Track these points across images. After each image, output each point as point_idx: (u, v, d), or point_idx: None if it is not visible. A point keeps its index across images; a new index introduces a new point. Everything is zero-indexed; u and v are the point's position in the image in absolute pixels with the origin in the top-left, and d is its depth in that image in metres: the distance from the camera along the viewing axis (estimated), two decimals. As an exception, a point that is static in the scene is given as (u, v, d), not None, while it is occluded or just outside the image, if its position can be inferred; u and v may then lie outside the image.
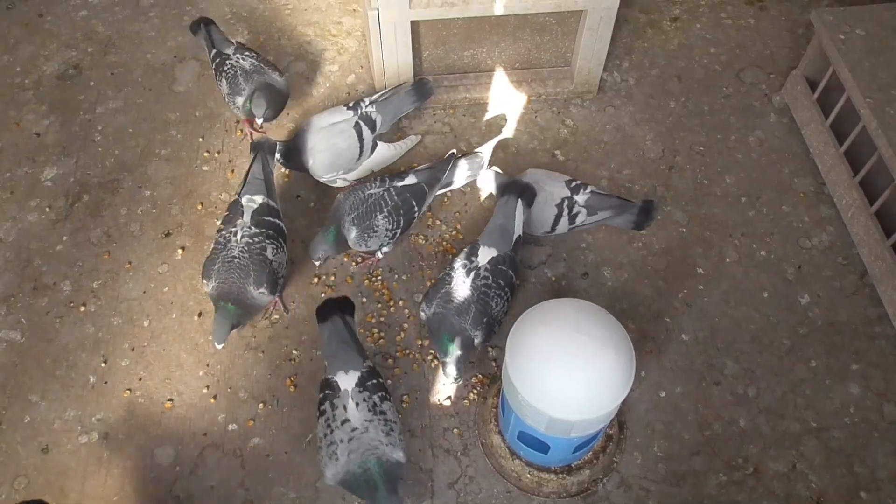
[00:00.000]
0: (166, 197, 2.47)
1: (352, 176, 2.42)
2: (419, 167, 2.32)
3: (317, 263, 2.24)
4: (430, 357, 2.19)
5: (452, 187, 2.40)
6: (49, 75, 2.77)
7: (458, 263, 2.08)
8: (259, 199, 2.14)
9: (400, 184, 2.24)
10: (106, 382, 2.13)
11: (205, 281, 2.05)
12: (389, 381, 2.14)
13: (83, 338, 2.20)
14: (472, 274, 2.05)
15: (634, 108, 2.72)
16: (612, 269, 2.36)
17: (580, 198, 2.23)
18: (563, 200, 2.22)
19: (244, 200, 2.13)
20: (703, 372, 2.18)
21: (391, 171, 2.41)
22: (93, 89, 2.73)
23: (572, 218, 2.23)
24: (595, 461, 1.99)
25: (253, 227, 2.09)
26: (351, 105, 2.38)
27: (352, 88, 2.75)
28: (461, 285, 2.04)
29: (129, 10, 2.96)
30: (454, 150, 2.35)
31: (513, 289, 2.11)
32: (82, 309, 2.25)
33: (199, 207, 2.45)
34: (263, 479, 2.00)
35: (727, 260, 2.38)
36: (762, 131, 2.67)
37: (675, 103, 2.74)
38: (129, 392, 2.11)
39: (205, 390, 2.12)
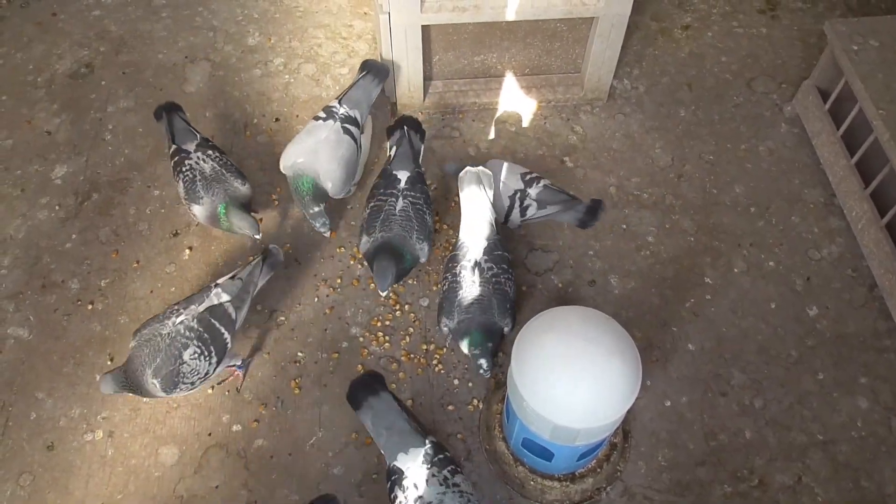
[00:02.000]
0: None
1: (356, 179, 2.42)
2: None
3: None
4: (434, 362, 2.18)
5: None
6: (61, 74, 2.78)
7: (459, 268, 2.08)
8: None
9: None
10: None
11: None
12: (394, 385, 2.14)
13: (90, 336, 2.21)
14: (477, 271, 2.06)
15: (644, 116, 2.71)
16: (620, 276, 2.35)
17: (532, 191, 2.24)
18: (515, 192, 2.24)
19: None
20: (709, 382, 2.17)
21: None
22: (104, 88, 2.74)
23: (523, 210, 2.25)
24: (599, 469, 1.98)
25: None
26: (324, 115, 2.29)
27: (362, 91, 2.75)
28: (472, 286, 2.04)
29: (141, 9, 2.97)
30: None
31: (512, 264, 2.16)
32: (90, 307, 2.26)
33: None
34: (267, 480, 2.00)
35: (735, 270, 2.37)
36: (772, 141, 2.66)
37: (685, 112, 2.73)
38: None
39: (210, 391, 2.12)
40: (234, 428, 2.07)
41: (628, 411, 1.69)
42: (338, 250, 2.38)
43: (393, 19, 2.35)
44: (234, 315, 1.98)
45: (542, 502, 1.98)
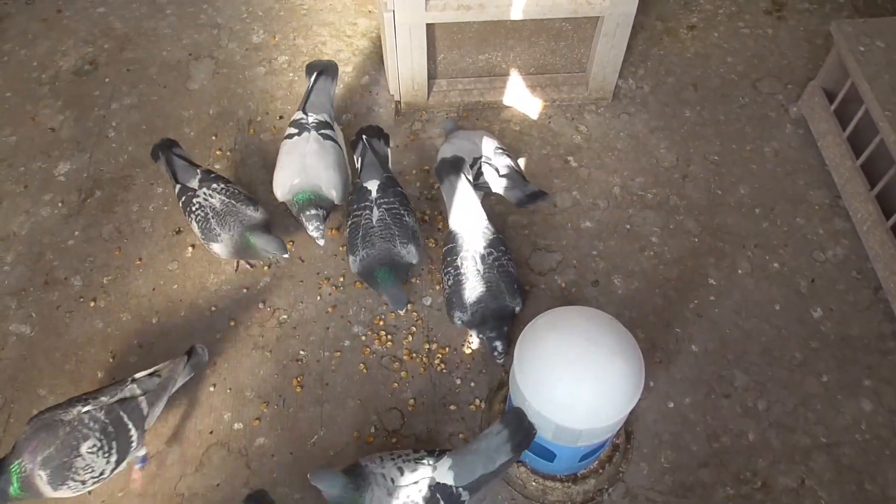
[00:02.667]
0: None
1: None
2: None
3: None
4: (436, 361, 2.18)
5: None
6: (65, 71, 2.78)
7: (459, 259, 2.09)
8: None
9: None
10: (114, 378, 2.13)
11: None
12: (396, 385, 2.14)
13: (92, 333, 2.21)
14: (480, 260, 2.07)
15: (649, 116, 2.70)
16: (623, 277, 2.34)
17: (495, 161, 2.28)
18: (480, 157, 2.28)
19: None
20: (712, 383, 2.16)
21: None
22: (108, 85, 2.75)
23: (477, 174, 2.28)
24: (601, 470, 1.98)
25: None
26: (295, 131, 2.26)
27: (365, 89, 2.75)
28: (478, 276, 2.06)
29: (145, 7, 2.97)
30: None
31: (505, 241, 2.19)
32: (92, 304, 2.26)
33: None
34: (268, 478, 1.99)
35: (739, 271, 2.36)
36: (778, 142, 2.65)
37: (691, 112, 2.72)
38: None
39: (211, 388, 2.12)
40: (236, 426, 2.07)
41: (631, 412, 1.68)
42: (341, 248, 2.38)
43: (397, 17, 2.35)
44: (145, 411, 1.83)
45: (544, 503, 1.97)
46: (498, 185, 2.29)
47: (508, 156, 2.32)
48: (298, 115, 2.29)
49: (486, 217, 2.15)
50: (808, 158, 2.61)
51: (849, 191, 2.45)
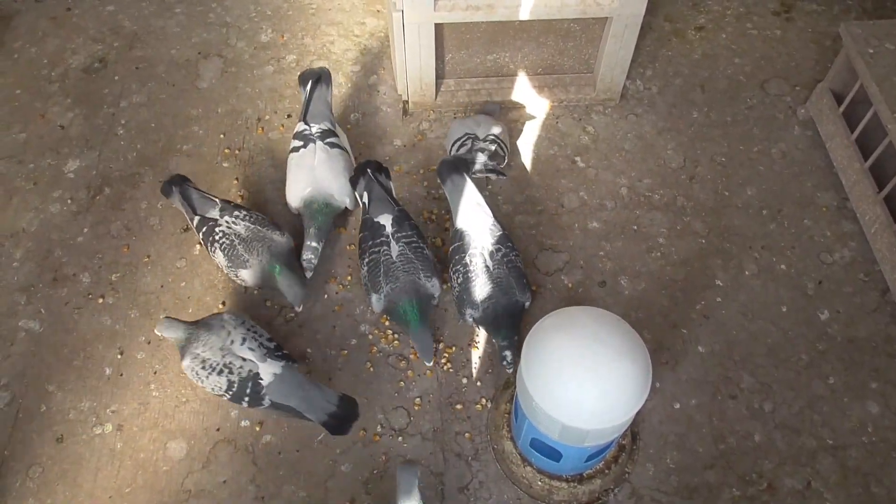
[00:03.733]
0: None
1: None
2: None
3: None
4: (443, 360, 2.18)
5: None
6: (75, 68, 2.80)
7: (468, 257, 2.10)
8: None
9: None
10: (121, 375, 2.15)
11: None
12: (402, 384, 2.14)
13: (100, 329, 2.22)
14: (489, 257, 2.08)
15: (656, 117, 2.70)
16: (630, 278, 2.34)
17: (485, 145, 2.38)
18: (466, 135, 2.41)
19: None
20: (718, 385, 2.16)
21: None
22: (117, 83, 2.76)
23: (470, 150, 2.38)
24: (607, 471, 1.98)
25: None
26: (300, 143, 2.27)
27: (373, 89, 2.75)
28: (487, 272, 2.07)
29: (154, 5, 2.98)
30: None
31: (512, 238, 2.21)
32: (100, 301, 2.27)
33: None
34: (274, 476, 2.00)
35: (746, 272, 2.36)
36: (785, 144, 2.65)
37: (698, 113, 2.72)
38: (143, 385, 2.12)
39: (219, 386, 2.13)
40: (243, 423, 2.07)
41: (637, 413, 1.68)
42: (348, 248, 2.38)
43: (406, 17, 2.35)
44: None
45: (550, 503, 1.97)
46: (477, 159, 2.37)
47: (499, 144, 2.39)
48: (301, 126, 2.30)
49: (491, 214, 2.16)
50: (816, 160, 2.60)
51: (857, 193, 2.45)
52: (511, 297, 2.07)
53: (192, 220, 2.18)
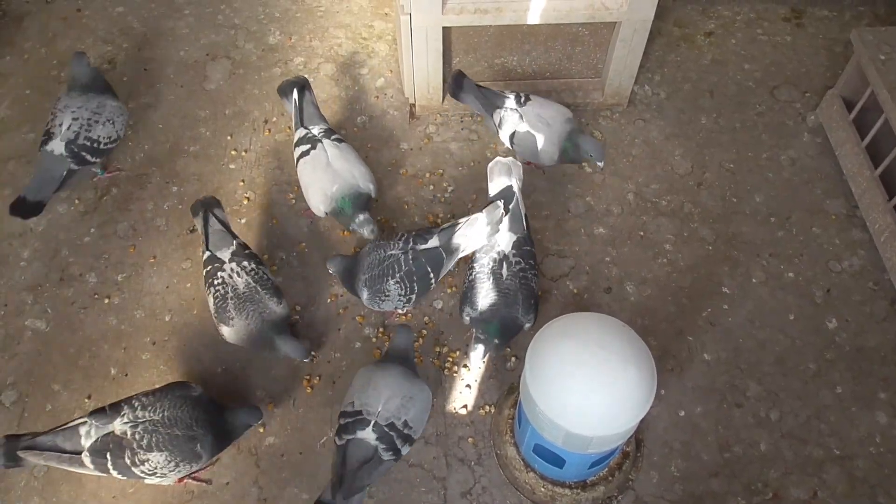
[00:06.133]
0: (193, 193, 2.49)
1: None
2: (446, 226, 2.11)
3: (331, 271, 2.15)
4: (447, 364, 2.18)
5: (467, 251, 2.13)
6: (84, 69, 2.81)
7: (487, 259, 2.08)
8: None
9: (421, 247, 2.06)
10: (126, 374, 2.15)
11: None
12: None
13: (106, 329, 2.23)
14: (505, 264, 2.06)
15: (664, 123, 2.69)
16: (636, 284, 2.33)
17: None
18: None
19: None
20: (724, 393, 2.15)
21: (420, 227, 2.28)
22: (126, 84, 2.77)
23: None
24: (611, 478, 1.96)
25: None
26: (308, 146, 2.26)
27: (380, 92, 2.75)
28: (499, 279, 2.05)
29: (164, 7, 2.99)
30: (499, 203, 2.09)
31: (537, 261, 2.17)
32: (106, 301, 2.28)
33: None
34: (277, 478, 2.00)
35: (754, 280, 2.34)
36: (794, 150, 2.63)
37: (707, 119, 2.71)
38: (148, 385, 2.12)
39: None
40: (246, 425, 2.07)
41: (642, 420, 1.67)
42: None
43: (414, 20, 2.35)
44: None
45: (553, 509, 1.97)
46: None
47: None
48: (301, 132, 2.30)
49: (525, 228, 2.13)
50: (826, 167, 2.58)
51: (866, 201, 2.43)
52: (512, 312, 2.03)
53: (203, 251, 2.10)
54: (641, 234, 2.43)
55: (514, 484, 2.00)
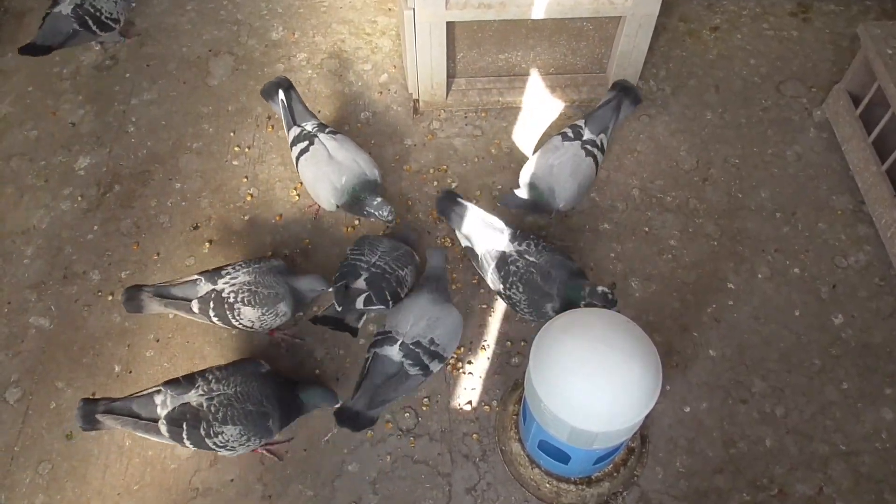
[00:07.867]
0: (196, 190, 2.49)
1: None
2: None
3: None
4: (452, 361, 2.17)
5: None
6: (86, 66, 2.80)
7: (515, 266, 2.07)
8: None
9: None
10: (130, 372, 2.15)
11: None
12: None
13: (110, 327, 2.23)
14: (527, 252, 2.08)
15: (670, 118, 2.68)
16: (641, 280, 2.32)
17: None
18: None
19: None
20: (729, 389, 2.14)
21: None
22: (128, 81, 2.76)
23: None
24: (615, 474, 1.96)
25: None
26: (305, 143, 2.26)
27: (384, 87, 2.74)
28: (532, 266, 2.06)
29: (166, 2, 2.99)
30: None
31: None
32: (110, 298, 2.27)
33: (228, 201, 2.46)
34: (282, 475, 2.00)
35: (759, 276, 2.33)
36: (800, 146, 2.61)
37: (712, 114, 2.69)
38: (152, 382, 2.12)
39: (227, 384, 2.13)
40: (250, 422, 2.07)
41: (647, 416, 1.66)
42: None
43: (417, 15, 2.34)
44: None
45: (558, 506, 1.96)
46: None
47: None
48: (295, 130, 2.29)
49: (506, 226, 2.14)
50: (832, 163, 2.57)
51: (873, 196, 2.41)
52: (566, 261, 2.07)
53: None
54: (646, 229, 2.42)
55: (518, 480, 1.99)
